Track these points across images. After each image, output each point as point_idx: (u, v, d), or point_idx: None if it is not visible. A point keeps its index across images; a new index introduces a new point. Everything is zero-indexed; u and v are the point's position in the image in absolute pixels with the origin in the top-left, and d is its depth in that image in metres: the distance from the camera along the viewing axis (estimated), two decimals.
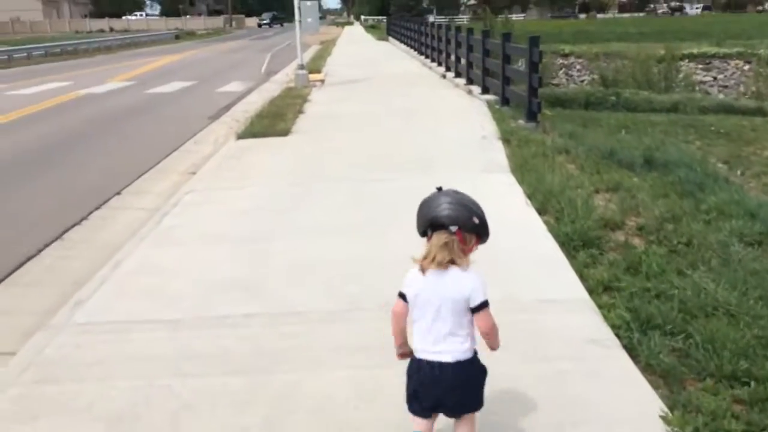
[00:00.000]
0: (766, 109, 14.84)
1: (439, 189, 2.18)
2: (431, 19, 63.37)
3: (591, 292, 3.69)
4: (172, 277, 4.14)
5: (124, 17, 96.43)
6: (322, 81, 16.65)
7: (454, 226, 2.09)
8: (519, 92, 9.87)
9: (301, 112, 11.00)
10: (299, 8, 15.37)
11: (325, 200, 5.74)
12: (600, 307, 3.45)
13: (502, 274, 3.83)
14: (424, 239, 2.16)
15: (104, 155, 9.10)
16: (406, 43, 29.91)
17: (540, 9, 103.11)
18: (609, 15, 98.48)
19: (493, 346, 2.22)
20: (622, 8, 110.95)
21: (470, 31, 13.38)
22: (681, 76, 22.92)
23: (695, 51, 33.16)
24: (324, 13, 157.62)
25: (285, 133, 9.02)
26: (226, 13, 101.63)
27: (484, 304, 2.13)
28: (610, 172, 6.61)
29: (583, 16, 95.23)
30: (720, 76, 31.51)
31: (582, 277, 3.87)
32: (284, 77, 18.57)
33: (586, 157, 7.22)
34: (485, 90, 11.92)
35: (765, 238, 4.81)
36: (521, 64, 12.56)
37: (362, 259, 4.32)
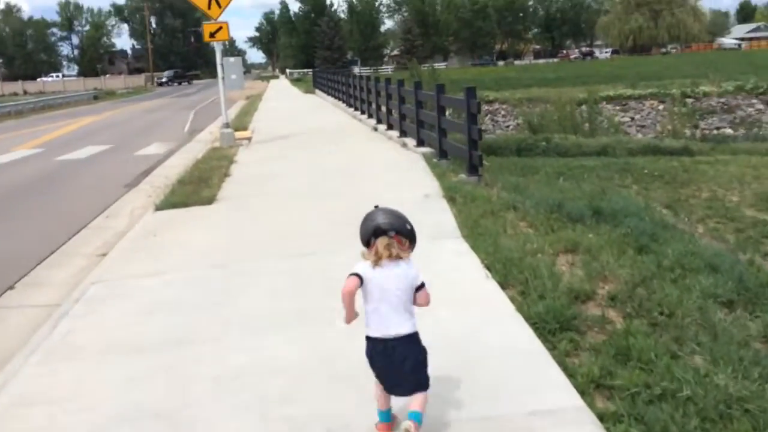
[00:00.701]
0: (691, 149, 15.11)
1: (377, 207, 2.84)
2: (356, 70, 64.14)
3: (582, 393, 3.08)
4: (65, 410, 3.27)
5: (39, 79, 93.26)
6: (249, 139, 15.95)
7: (392, 231, 2.70)
8: (456, 145, 9.47)
9: (227, 175, 10.24)
10: (222, 65, 14.72)
11: (256, 286, 4.97)
12: (601, 418, 2.83)
13: (478, 379, 3.19)
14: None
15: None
16: (333, 95, 29.67)
17: (460, 57, 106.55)
18: (525, 61, 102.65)
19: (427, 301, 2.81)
20: (537, 55, 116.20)
21: (401, 82, 13.05)
22: (603, 118, 23.50)
23: (612, 93, 34.52)
24: (248, 68, 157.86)
25: (209, 201, 8.23)
26: (148, 71, 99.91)
27: (423, 284, 2.77)
28: (564, 229, 6.17)
29: (501, 63, 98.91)
30: (637, 116, 32.77)
31: (568, 373, 3.27)
32: (209, 136, 17.77)
33: (536, 212, 6.79)
34: (420, 143, 11.51)
35: (734, 295, 4.49)
36: (449, 114, 12.28)
37: (304, 364, 3.58)
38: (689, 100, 31.61)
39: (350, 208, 7.08)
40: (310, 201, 7.90)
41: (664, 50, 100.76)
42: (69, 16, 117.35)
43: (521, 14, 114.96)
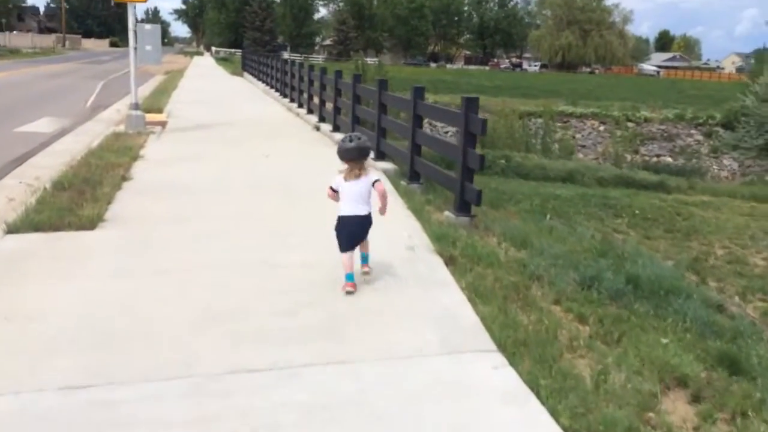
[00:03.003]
0: (666, 184, 13.67)
1: (350, 140, 4.41)
2: (285, 55, 60.82)
3: None
4: None
5: None
6: (164, 125, 13.19)
7: (357, 159, 4.38)
8: (437, 169, 7.32)
9: (125, 178, 7.61)
10: (134, 32, 11.90)
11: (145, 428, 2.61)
12: None
13: None
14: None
15: None
16: (264, 81, 26.90)
17: (393, 55, 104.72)
18: (456, 66, 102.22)
19: (384, 206, 4.49)
20: (468, 60, 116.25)
21: (357, 77, 10.72)
22: (558, 136, 22.06)
23: (554, 108, 33.48)
24: (171, 41, 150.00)
25: (91, 224, 5.65)
26: (60, 31, 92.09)
27: (378, 180, 4.44)
28: (620, 323, 4.19)
29: (433, 65, 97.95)
30: (578, 136, 31.80)
31: None
32: (115, 115, 14.80)
33: (567, 286, 4.77)
34: (380, 155, 9.29)
35: None
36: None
37: None
38: (630, 124, 31.03)
39: (303, 269, 4.76)
40: (239, 243, 5.49)
41: (589, 69, 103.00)
42: None
43: (456, 18, 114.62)
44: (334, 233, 4.43)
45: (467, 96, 6.24)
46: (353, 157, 4.35)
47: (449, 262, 4.96)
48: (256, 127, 13.64)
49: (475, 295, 4.28)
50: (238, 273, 4.64)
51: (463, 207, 6.32)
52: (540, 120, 26.53)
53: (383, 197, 4.41)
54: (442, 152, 7.48)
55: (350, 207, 4.34)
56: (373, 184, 4.37)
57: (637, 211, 10.30)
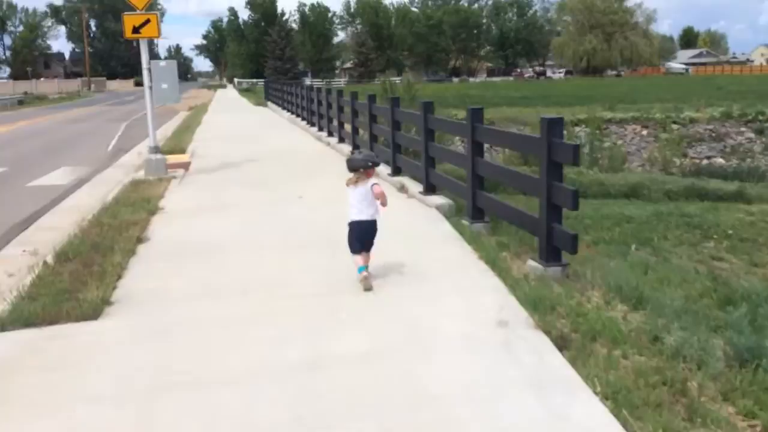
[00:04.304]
0: (746, 193, 12.18)
1: (357, 150, 6.14)
2: (308, 82, 60.29)
3: None
4: None
5: None
6: (186, 166, 12.21)
7: (361, 168, 4.92)
8: (504, 204, 6.08)
9: (141, 240, 6.52)
10: (148, 69, 10.95)
11: None
12: None
13: None
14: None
15: None
16: (289, 110, 26.02)
17: (415, 72, 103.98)
18: (479, 79, 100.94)
19: (383, 202, 4.93)
20: (491, 72, 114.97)
21: (396, 101, 9.55)
22: (606, 144, 20.59)
23: (581, 116, 31.98)
24: (195, 75, 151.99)
25: (95, 311, 4.52)
26: (86, 75, 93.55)
27: (376, 183, 4.93)
28: None
29: (456, 79, 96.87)
30: (619, 142, 30.22)
31: None
32: (136, 159, 13.88)
33: (730, 373, 3.48)
34: (430, 188, 8.07)
35: None
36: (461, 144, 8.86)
37: None
38: (675, 126, 29.36)
39: (367, 361, 3.54)
40: (284, 321, 4.31)
41: (615, 72, 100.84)
42: (1, 16, 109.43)
43: (475, 31, 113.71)
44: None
45: (548, 117, 5.01)
46: (357, 167, 4.94)
47: (561, 343, 3.70)
48: (286, 162, 12.57)
49: (619, 403, 3.01)
50: (276, 385, 3.44)
51: (552, 254, 5.06)
52: (579, 128, 25.14)
53: (381, 195, 4.92)
54: (517, 186, 6.23)
55: (355, 212, 4.92)
56: (371, 187, 4.90)
57: (729, 231, 8.89)
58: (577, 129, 24.93)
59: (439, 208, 7.46)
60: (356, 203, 4.90)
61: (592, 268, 5.33)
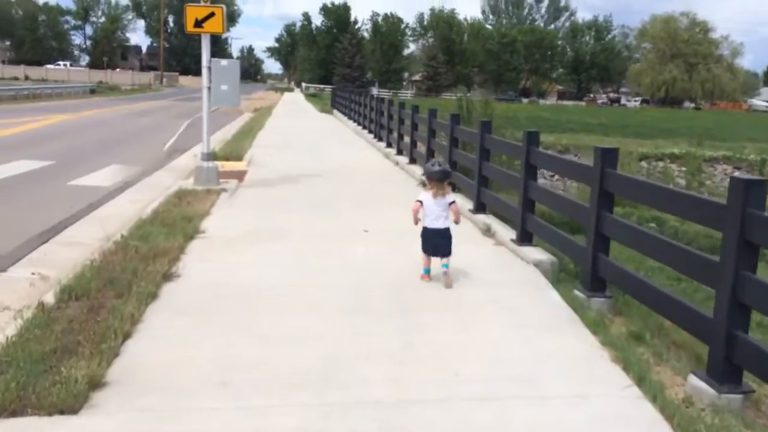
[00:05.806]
0: None
1: (438, 164, 5.66)
2: (374, 91, 59.32)
3: None
4: None
5: (45, 66, 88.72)
6: (241, 176, 11.03)
7: (441, 180, 5.37)
8: (635, 277, 4.50)
9: (167, 277, 5.21)
10: (208, 68, 9.81)
11: None
12: None
13: None
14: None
15: None
16: (355, 120, 24.85)
17: (484, 90, 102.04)
18: (550, 101, 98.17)
19: (458, 220, 5.53)
20: (561, 95, 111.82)
21: (486, 127, 8.04)
22: (707, 183, 18.49)
23: (676, 151, 29.64)
24: (264, 78, 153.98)
25: (76, 399, 3.17)
26: (159, 69, 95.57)
27: (454, 201, 5.41)
28: None
29: (525, 100, 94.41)
30: (708, 183, 27.84)
31: None
32: (191, 161, 12.82)
33: None
34: (525, 237, 6.53)
35: None
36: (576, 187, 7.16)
37: None
38: None
39: None
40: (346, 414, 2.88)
41: (694, 105, 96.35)
42: (85, 6, 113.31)
43: (549, 52, 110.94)
44: None
45: (602, 147, 3.44)
46: (438, 179, 5.36)
47: None
48: (350, 182, 11.23)
49: None
50: None
51: (730, 373, 3.47)
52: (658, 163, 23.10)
53: (456, 214, 5.50)
54: (682, 270, 4.56)
55: (430, 220, 5.34)
56: (450, 204, 5.39)
57: None
58: (642, 163, 22.93)
59: (538, 265, 5.93)
60: (432, 212, 5.33)
61: None
